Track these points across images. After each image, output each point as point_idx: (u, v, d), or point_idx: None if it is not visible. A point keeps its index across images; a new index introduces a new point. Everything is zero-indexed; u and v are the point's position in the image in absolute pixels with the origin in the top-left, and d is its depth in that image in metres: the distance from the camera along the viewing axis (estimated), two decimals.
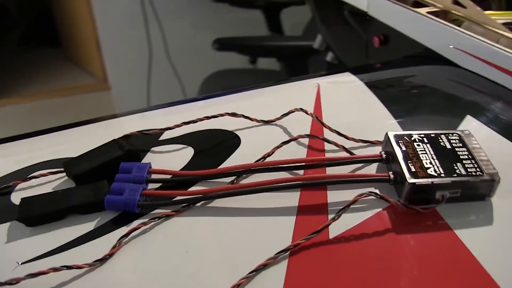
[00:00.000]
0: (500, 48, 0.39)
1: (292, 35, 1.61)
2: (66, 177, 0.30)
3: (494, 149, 0.28)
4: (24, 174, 0.30)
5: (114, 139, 0.32)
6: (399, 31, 0.49)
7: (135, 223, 0.26)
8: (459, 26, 0.44)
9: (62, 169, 0.30)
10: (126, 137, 0.33)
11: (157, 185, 0.29)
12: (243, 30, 1.63)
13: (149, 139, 0.34)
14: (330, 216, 0.25)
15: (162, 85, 1.65)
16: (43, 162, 0.32)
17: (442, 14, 0.47)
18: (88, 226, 0.26)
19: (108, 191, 0.27)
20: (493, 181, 0.26)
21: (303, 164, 0.30)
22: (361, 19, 0.57)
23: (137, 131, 0.33)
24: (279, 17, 1.56)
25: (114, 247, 0.24)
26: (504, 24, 0.43)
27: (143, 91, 1.61)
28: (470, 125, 0.33)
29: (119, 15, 1.51)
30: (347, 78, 0.43)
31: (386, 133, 0.29)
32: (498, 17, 0.44)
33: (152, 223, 0.26)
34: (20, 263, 0.24)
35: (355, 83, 0.42)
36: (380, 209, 0.26)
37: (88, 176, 0.29)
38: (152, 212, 0.27)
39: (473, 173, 0.26)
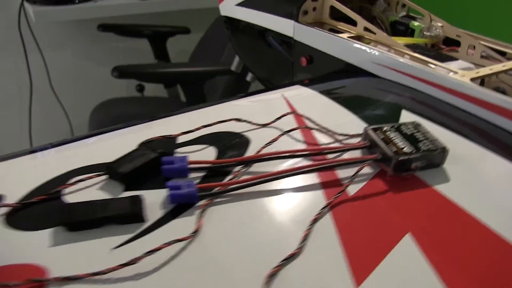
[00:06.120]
0: (407, 62, 0.53)
1: (180, 61, 1.70)
2: (108, 180, 0.34)
3: (432, 130, 0.41)
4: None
5: (142, 143, 0.38)
6: (325, 52, 0.62)
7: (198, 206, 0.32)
8: None
9: (102, 172, 0.35)
10: (150, 141, 0.39)
11: (199, 172, 0.36)
12: (128, 59, 1.66)
13: (169, 143, 0.39)
14: (345, 182, 0.35)
15: (44, 116, 1.63)
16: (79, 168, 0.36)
17: (357, 38, 0.60)
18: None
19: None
20: (445, 151, 0.38)
21: (309, 152, 0.38)
22: (286, 43, 0.69)
23: (159, 136, 0.39)
24: (165, 45, 1.63)
25: (198, 221, 0.30)
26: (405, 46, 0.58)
27: (25, 123, 1.55)
28: (407, 116, 0.46)
29: None
30: (301, 90, 0.53)
31: (365, 128, 0.40)
32: (398, 41, 0.59)
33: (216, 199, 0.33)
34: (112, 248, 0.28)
35: (310, 92, 0.52)
36: (376, 177, 0.37)
37: (132, 175, 0.34)
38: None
39: (432, 149, 0.38)
